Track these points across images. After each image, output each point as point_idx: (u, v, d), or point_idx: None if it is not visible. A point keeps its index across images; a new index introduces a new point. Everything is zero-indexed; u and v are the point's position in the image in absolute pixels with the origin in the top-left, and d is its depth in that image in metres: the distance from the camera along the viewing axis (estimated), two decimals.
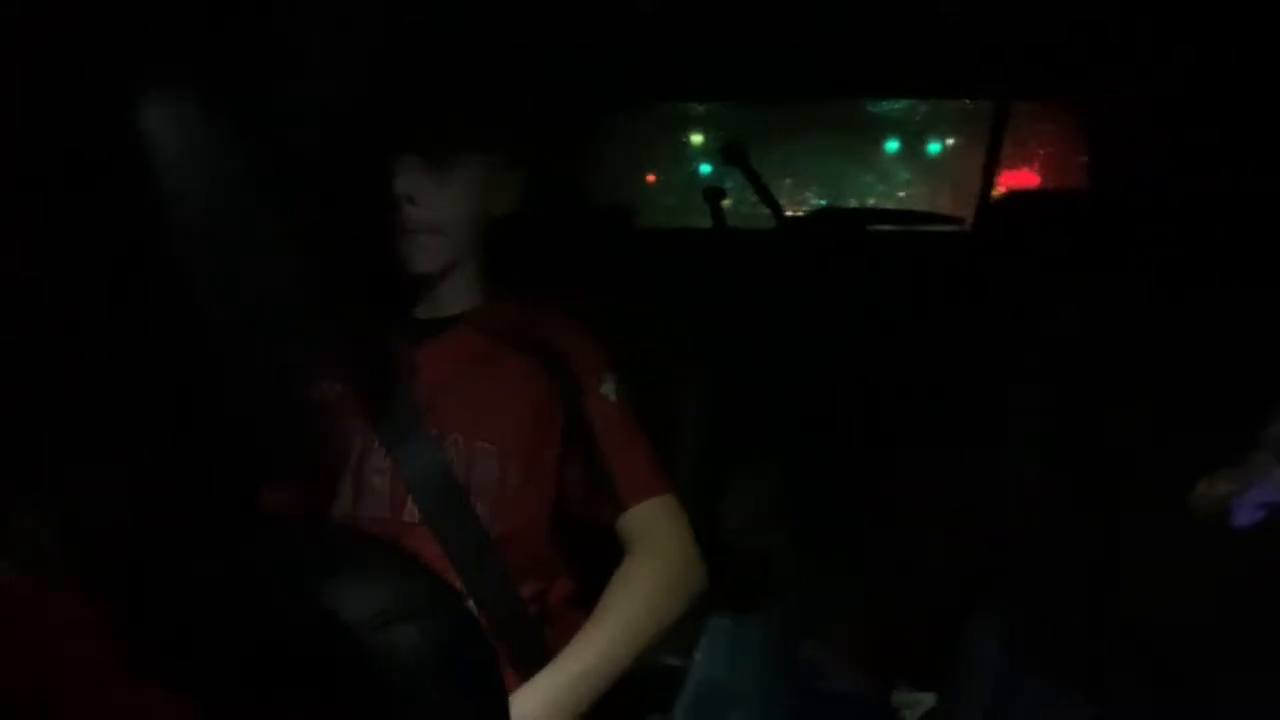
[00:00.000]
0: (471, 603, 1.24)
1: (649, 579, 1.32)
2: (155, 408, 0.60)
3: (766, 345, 2.12)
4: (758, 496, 1.78)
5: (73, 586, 0.52)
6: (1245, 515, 1.11)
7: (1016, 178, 3.10)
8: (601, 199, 2.37)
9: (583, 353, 1.40)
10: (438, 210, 1.31)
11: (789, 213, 2.66)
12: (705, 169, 2.93)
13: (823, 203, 3.29)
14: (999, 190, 2.94)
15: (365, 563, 0.61)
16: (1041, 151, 2.86)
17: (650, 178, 2.84)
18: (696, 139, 2.89)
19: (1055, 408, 1.51)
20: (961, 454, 1.79)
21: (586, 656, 1.24)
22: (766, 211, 2.58)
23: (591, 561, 1.37)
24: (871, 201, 3.39)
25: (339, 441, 1.28)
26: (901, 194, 3.34)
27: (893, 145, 3.24)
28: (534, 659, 1.26)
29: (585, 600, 1.34)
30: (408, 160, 1.28)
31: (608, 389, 1.39)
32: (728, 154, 2.52)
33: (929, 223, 2.94)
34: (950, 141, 3.27)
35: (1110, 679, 1.16)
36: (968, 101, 2.94)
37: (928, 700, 1.44)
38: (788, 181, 2.87)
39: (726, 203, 2.54)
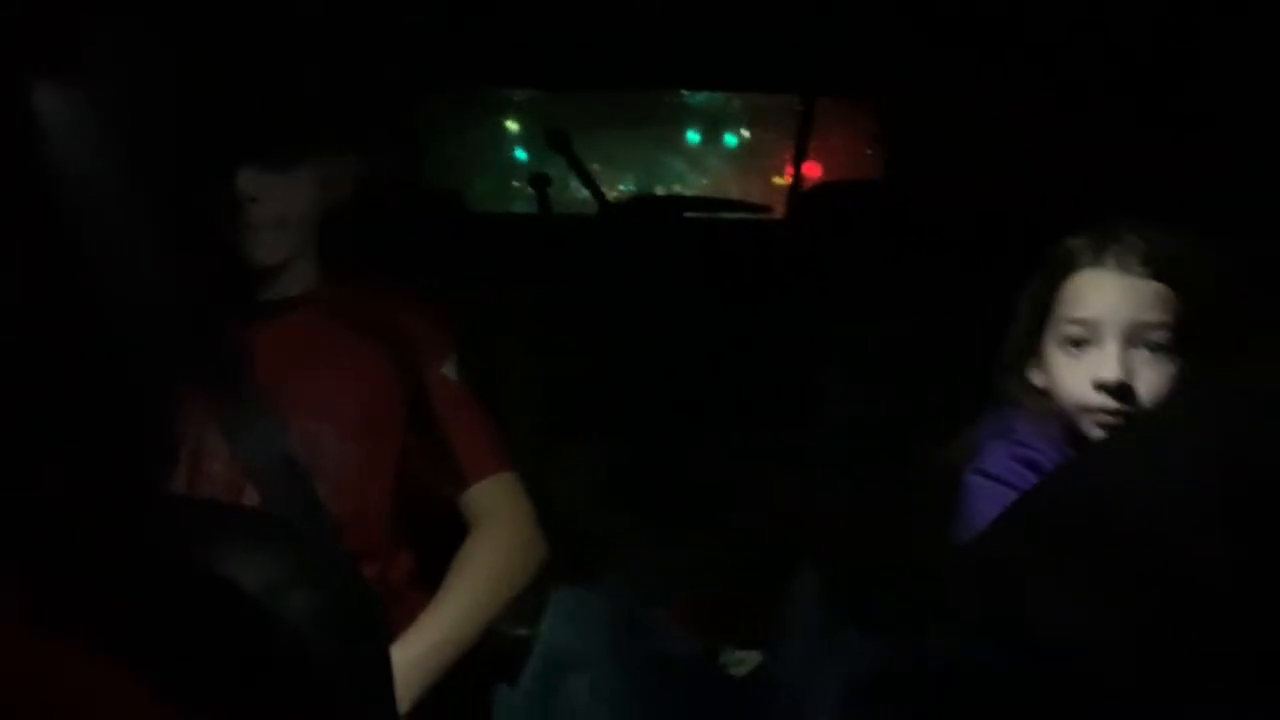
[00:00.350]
0: None
1: (493, 553, 1.36)
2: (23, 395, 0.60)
3: (594, 327, 2.18)
4: (591, 472, 1.84)
5: None
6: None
7: (805, 169, 3.33)
8: (428, 185, 2.37)
9: (423, 334, 1.42)
10: (279, 206, 1.30)
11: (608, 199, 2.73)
12: (522, 155, 2.97)
13: (632, 188, 3.39)
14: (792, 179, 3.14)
15: (255, 531, 0.64)
16: (823, 145, 3.08)
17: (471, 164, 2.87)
18: (513, 126, 2.92)
19: (862, 387, 1.63)
20: (779, 430, 1.91)
21: (435, 630, 1.27)
22: (585, 197, 2.65)
23: (431, 540, 1.40)
24: (677, 189, 3.51)
25: (175, 427, 1.25)
26: (704, 182, 3.49)
27: (694, 136, 3.38)
28: None
29: (426, 578, 1.37)
30: (248, 162, 1.27)
31: (448, 369, 1.42)
32: (551, 140, 2.57)
33: (742, 210, 3.07)
34: (745, 134, 3.44)
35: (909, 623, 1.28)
36: (763, 97, 3.11)
37: (754, 658, 1.55)
38: (596, 167, 2.94)
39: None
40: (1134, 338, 1.13)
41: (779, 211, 3.00)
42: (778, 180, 3.35)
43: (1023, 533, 0.67)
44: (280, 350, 1.33)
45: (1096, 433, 1.14)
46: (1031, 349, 1.22)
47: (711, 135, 3.39)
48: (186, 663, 0.59)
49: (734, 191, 3.40)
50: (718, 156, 3.47)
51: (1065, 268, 1.19)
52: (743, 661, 1.54)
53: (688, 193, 3.47)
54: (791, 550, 1.60)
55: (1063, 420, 1.18)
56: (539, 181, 2.57)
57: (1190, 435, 0.62)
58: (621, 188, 3.39)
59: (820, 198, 2.55)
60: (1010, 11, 1.69)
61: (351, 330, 1.38)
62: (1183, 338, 1.12)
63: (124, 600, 0.59)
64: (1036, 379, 1.23)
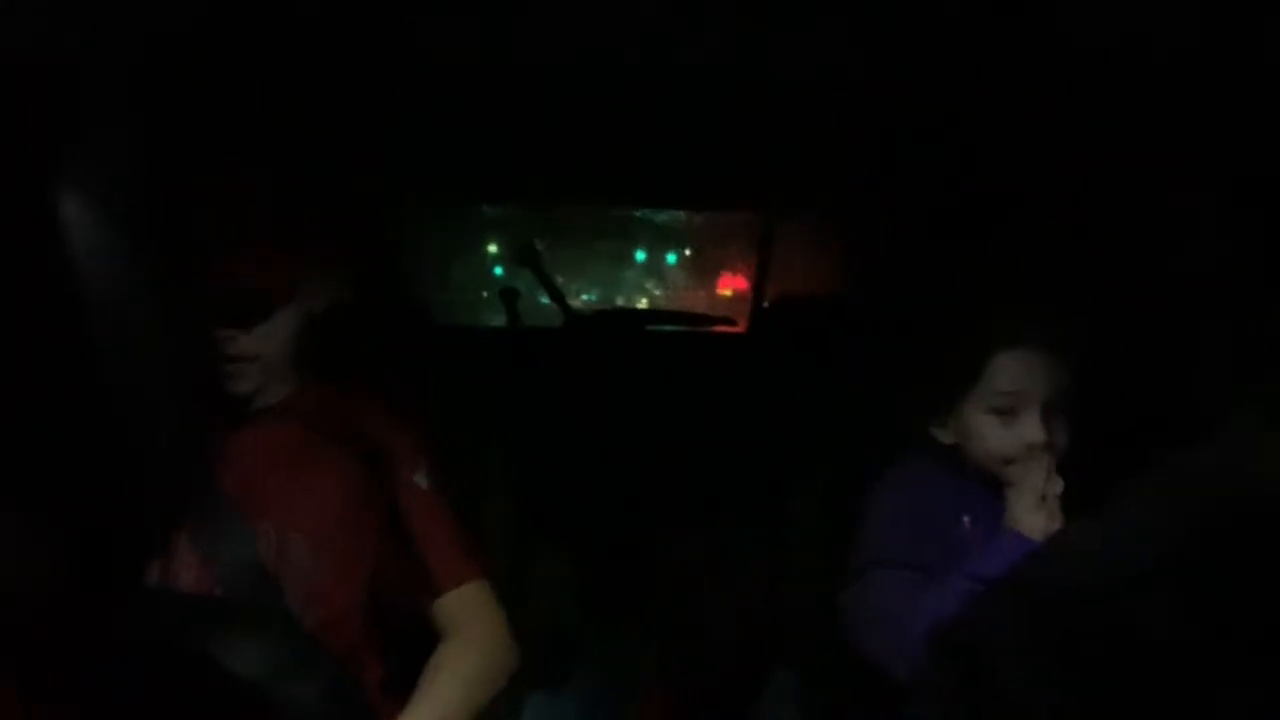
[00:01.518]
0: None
1: (466, 662, 1.35)
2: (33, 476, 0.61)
3: (560, 435, 2.20)
4: (558, 578, 1.84)
5: None
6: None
7: (731, 282, 3.47)
8: (405, 297, 2.41)
9: (396, 441, 1.43)
10: (256, 343, 1.32)
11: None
12: (499, 271, 3.04)
13: (594, 299, 3.46)
14: (727, 293, 3.25)
15: (253, 624, 0.64)
16: (745, 262, 3.26)
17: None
18: (491, 248, 3.01)
19: (828, 491, 1.66)
20: (744, 531, 1.93)
21: None
22: (550, 309, 2.70)
23: (401, 648, 1.39)
24: (638, 301, 3.61)
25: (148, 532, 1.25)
26: (658, 294, 3.60)
27: (640, 254, 3.56)
28: None
29: (397, 687, 1.36)
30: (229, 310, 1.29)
31: (420, 477, 1.43)
32: (520, 255, 2.63)
33: (703, 324, 3.13)
34: (686, 252, 3.61)
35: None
36: (704, 215, 3.25)
37: None
38: (560, 280, 3.01)
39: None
40: (1049, 404, 1.38)
41: (741, 325, 3.06)
42: (725, 293, 3.49)
43: (993, 616, 0.69)
44: (255, 457, 1.33)
45: (1013, 477, 1.37)
46: (946, 412, 1.45)
47: (656, 252, 3.56)
48: None
49: (683, 304, 3.51)
50: (660, 272, 3.63)
51: (989, 344, 1.41)
52: None
53: (643, 305, 3.56)
54: (764, 650, 1.60)
55: (960, 467, 1.43)
56: (508, 295, 2.62)
57: (1143, 518, 0.65)
58: (584, 297, 3.47)
59: (782, 312, 2.62)
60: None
61: (324, 438, 1.39)
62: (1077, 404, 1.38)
63: (120, 690, 0.60)
64: (944, 437, 1.46)
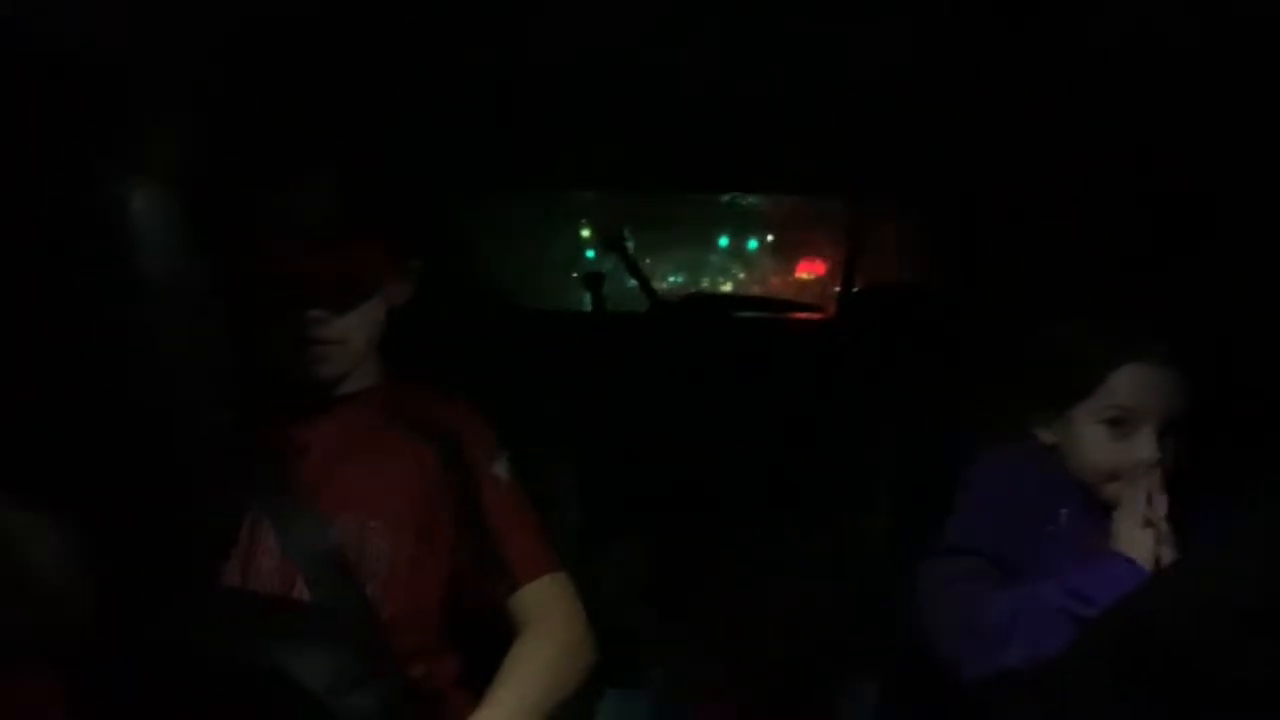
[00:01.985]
0: None
1: (545, 655, 1.34)
2: (99, 477, 0.62)
3: (639, 425, 2.19)
4: (633, 571, 1.83)
5: (36, 660, 0.53)
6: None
7: (810, 267, 3.41)
8: (491, 283, 2.43)
9: (474, 433, 1.43)
10: (346, 328, 1.33)
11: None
12: (590, 254, 3.05)
13: (680, 281, 3.44)
14: (806, 277, 3.20)
15: (318, 630, 0.64)
16: (825, 246, 3.22)
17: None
18: (584, 233, 3.03)
19: (906, 487, 1.62)
20: (824, 531, 1.89)
21: None
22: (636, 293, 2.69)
23: (478, 640, 1.39)
24: (704, 286, 3.59)
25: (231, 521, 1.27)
26: (741, 276, 3.58)
27: (723, 240, 3.54)
28: None
29: (472, 679, 1.36)
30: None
31: (499, 469, 1.43)
32: (607, 241, 2.62)
33: (788, 310, 3.09)
34: (768, 238, 3.58)
35: None
36: (781, 201, 3.21)
37: None
38: (647, 262, 3.00)
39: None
40: (1164, 424, 1.32)
41: (827, 311, 3.01)
42: (804, 276, 3.45)
43: (1084, 659, 0.66)
44: (334, 446, 1.35)
45: (1111, 494, 1.33)
46: (1052, 416, 1.40)
47: (738, 238, 3.54)
48: None
49: (764, 288, 3.47)
50: (743, 257, 3.60)
51: (1113, 356, 1.35)
52: None
53: (726, 289, 3.53)
54: (836, 653, 1.57)
55: (1060, 464, 1.39)
56: (593, 280, 2.61)
57: (1239, 563, 0.62)
58: (671, 280, 3.46)
59: (870, 300, 2.56)
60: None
61: (403, 429, 1.39)
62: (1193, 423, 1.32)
63: (183, 693, 0.60)
64: (1046, 437, 1.41)
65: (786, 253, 3.55)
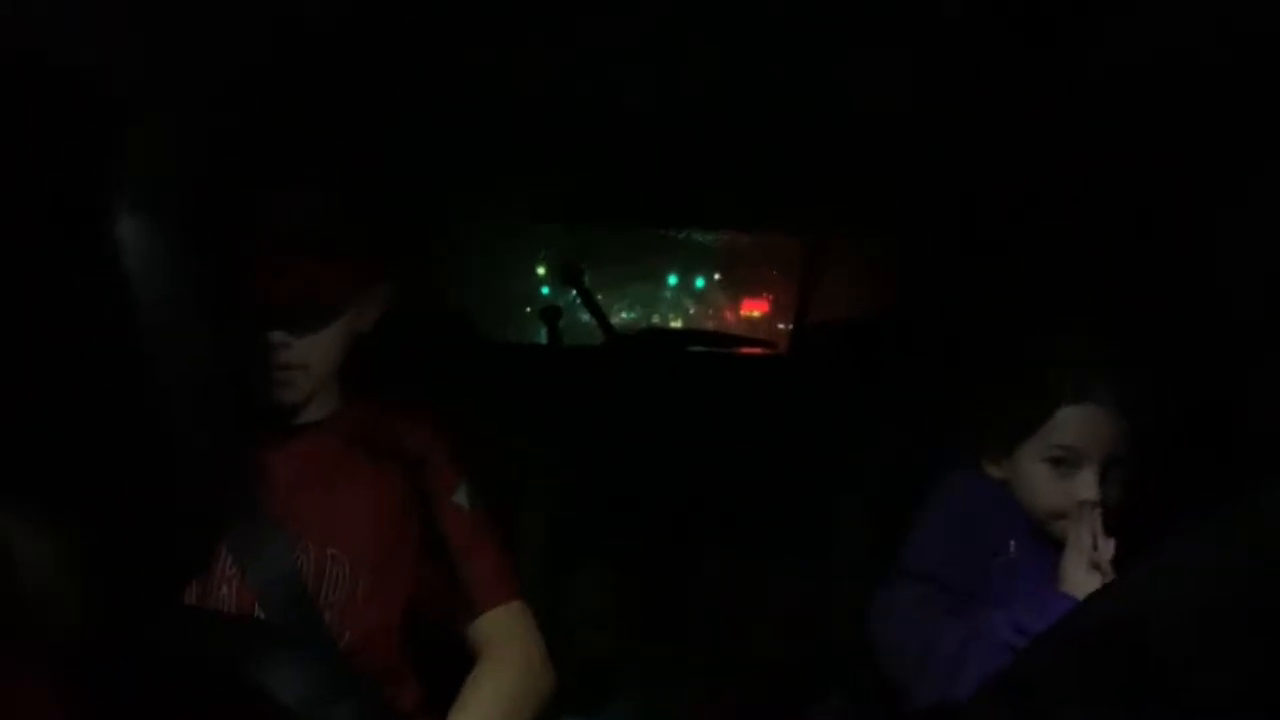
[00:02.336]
0: None
1: (502, 683, 1.34)
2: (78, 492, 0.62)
3: (598, 455, 2.19)
4: (596, 598, 1.83)
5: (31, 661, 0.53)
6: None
7: (753, 305, 3.48)
8: (449, 315, 2.43)
9: (436, 459, 1.43)
10: (308, 353, 1.33)
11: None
12: (545, 290, 3.07)
13: (634, 316, 3.48)
14: (753, 315, 3.25)
15: (287, 646, 0.64)
16: (770, 283, 3.30)
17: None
18: (540, 269, 3.06)
19: (870, 512, 1.64)
20: (786, 556, 1.91)
21: None
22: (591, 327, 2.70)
23: (438, 667, 1.38)
24: (655, 321, 3.64)
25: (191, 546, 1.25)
26: (691, 312, 3.64)
27: (673, 278, 3.62)
28: None
29: (433, 706, 1.35)
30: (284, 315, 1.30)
31: (460, 496, 1.43)
32: (565, 275, 2.64)
33: (743, 345, 3.12)
34: (715, 276, 3.66)
35: None
36: (724, 240, 3.28)
37: None
38: (600, 298, 3.04)
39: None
40: (1107, 464, 1.35)
41: (780, 347, 3.05)
42: (751, 314, 3.52)
43: (1054, 658, 0.68)
44: (295, 474, 1.34)
45: (1058, 532, 1.36)
46: (1001, 452, 1.43)
47: (687, 275, 3.62)
48: None
49: (711, 325, 3.53)
50: (692, 293, 3.68)
51: (1054, 397, 1.38)
52: None
53: (676, 324, 3.58)
54: (806, 673, 1.58)
55: (1004, 500, 1.42)
56: (549, 314, 2.62)
57: (1211, 561, 0.64)
58: (624, 315, 3.50)
59: (824, 335, 2.60)
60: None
61: (365, 455, 1.39)
62: (1138, 462, 1.36)
63: (170, 700, 0.60)
64: (994, 472, 1.44)
65: (732, 290, 3.62)
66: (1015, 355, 1.48)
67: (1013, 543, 1.40)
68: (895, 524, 1.45)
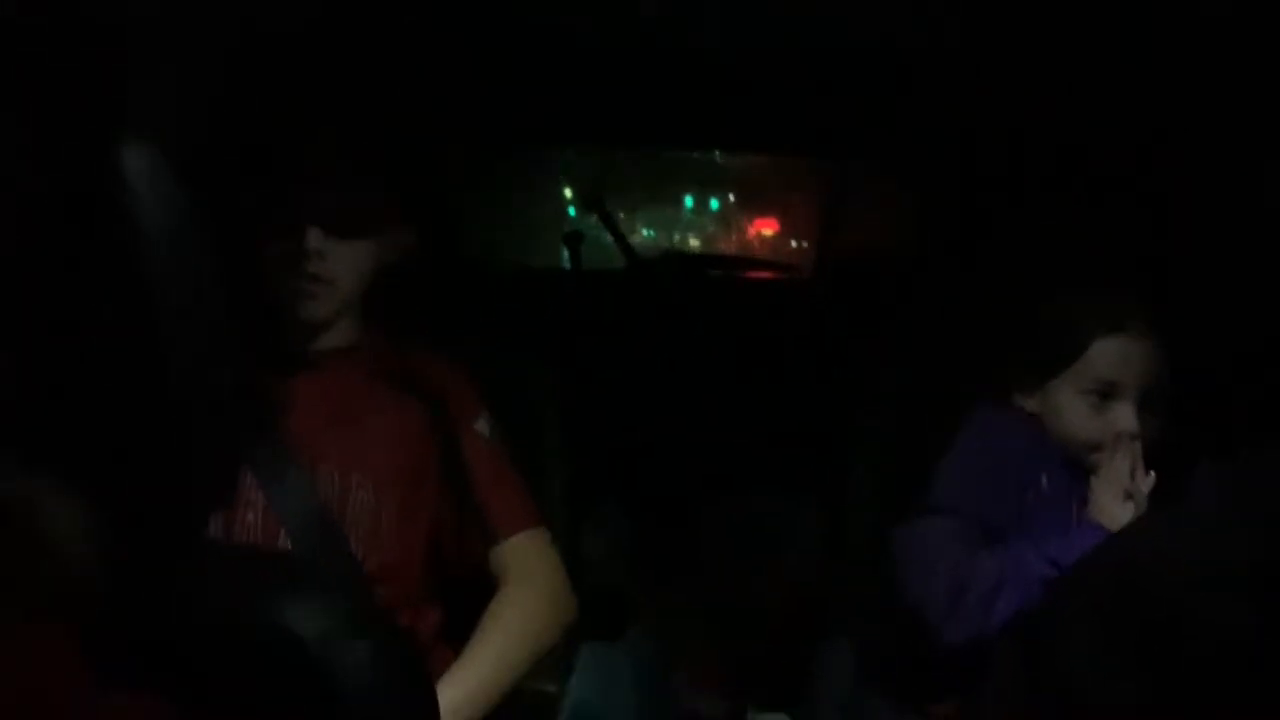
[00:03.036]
0: None
1: (524, 609, 1.36)
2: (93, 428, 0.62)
3: (619, 384, 2.20)
4: (616, 529, 1.85)
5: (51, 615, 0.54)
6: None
7: (764, 224, 3.45)
8: (475, 243, 2.42)
9: (457, 390, 1.44)
10: (341, 265, 1.33)
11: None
12: (572, 213, 3.04)
13: (654, 236, 3.46)
14: (752, 235, 3.22)
15: (309, 579, 0.65)
16: (779, 204, 3.27)
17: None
18: (567, 192, 3.03)
19: (893, 447, 1.64)
20: (807, 492, 1.92)
21: (464, 684, 1.27)
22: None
23: (459, 595, 1.40)
24: (676, 240, 3.61)
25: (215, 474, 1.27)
26: (710, 231, 3.63)
27: (689, 201, 3.60)
28: None
29: (453, 633, 1.38)
30: (321, 220, 1.31)
31: (481, 426, 1.44)
32: (585, 200, 2.61)
33: (764, 269, 3.09)
34: (730, 198, 3.64)
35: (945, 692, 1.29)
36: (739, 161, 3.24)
37: (780, 719, 1.54)
38: (621, 216, 3.03)
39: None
40: (1144, 395, 1.35)
41: (806, 273, 3.02)
42: (762, 232, 3.50)
43: (1066, 602, 0.68)
44: (318, 402, 1.35)
45: (1093, 463, 1.36)
46: (1035, 385, 1.43)
47: (702, 197, 3.60)
48: (241, 707, 0.60)
49: (726, 244, 3.51)
50: (708, 214, 3.66)
51: (1090, 329, 1.37)
52: None
53: (696, 245, 3.55)
54: (818, 613, 1.59)
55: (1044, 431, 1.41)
56: (572, 239, 2.60)
57: (1219, 514, 0.64)
58: (644, 233, 3.48)
59: (849, 267, 2.58)
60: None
61: (387, 385, 1.40)
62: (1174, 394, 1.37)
63: (179, 645, 0.61)
64: (1027, 405, 1.44)
65: (745, 210, 3.58)
66: (1048, 290, 1.47)
67: (1044, 476, 1.39)
68: (911, 463, 1.45)
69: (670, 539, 1.97)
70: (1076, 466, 1.39)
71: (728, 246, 3.48)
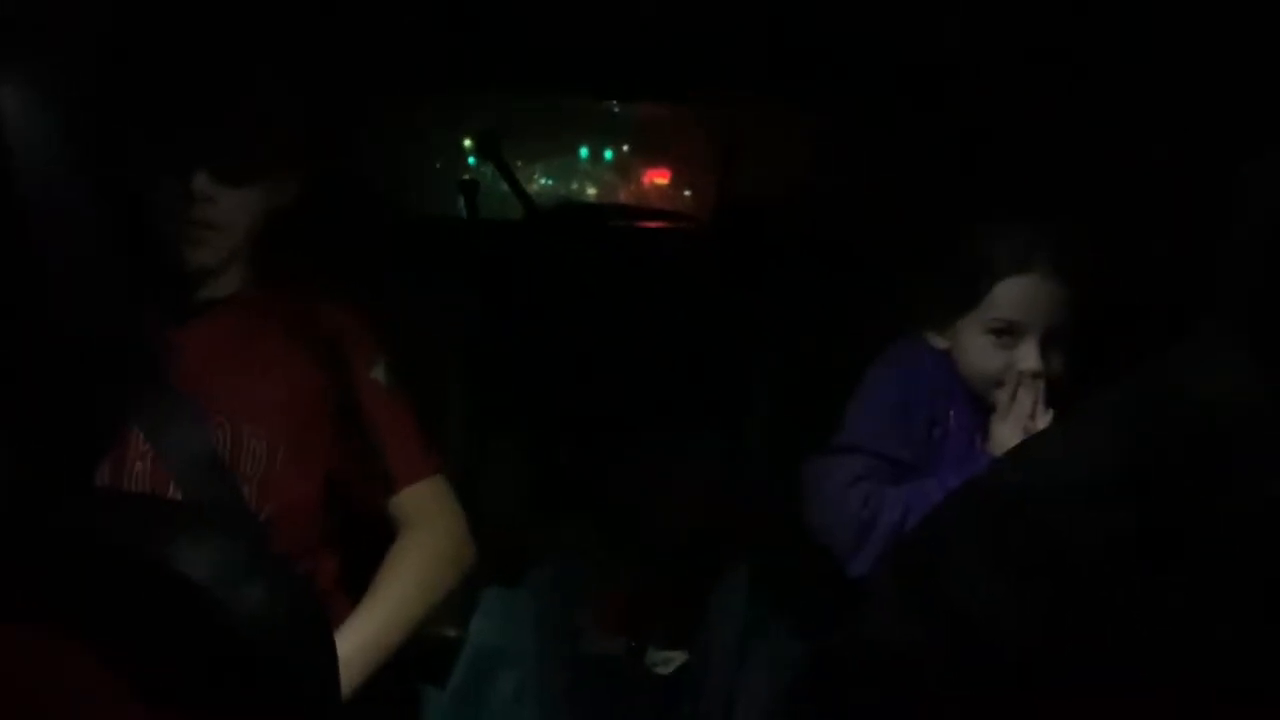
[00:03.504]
0: None
1: (423, 556, 1.36)
2: None
3: (517, 331, 2.19)
4: (517, 473, 1.85)
5: None
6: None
7: (656, 174, 3.48)
8: (370, 190, 2.37)
9: (353, 336, 1.42)
10: (229, 209, 1.30)
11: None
12: (472, 161, 3.00)
13: (551, 184, 3.44)
14: (648, 184, 3.25)
15: (199, 526, 0.64)
16: (675, 153, 3.30)
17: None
18: (466, 142, 2.98)
19: (791, 384, 1.67)
20: (702, 431, 1.95)
21: (364, 631, 1.27)
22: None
23: (357, 543, 1.40)
24: (574, 189, 3.61)
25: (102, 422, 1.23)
26: (591, 191, 3.64)
27: (584, 151, 3.61)
28: None
29: (352, 582, 1.37)
30: (209, 162, 1.28)
31: (379, 373, 1.42)
32: (481, 146, 2.57)
33: (662, 220, 3.10)
34: (624, 149, 3.65)
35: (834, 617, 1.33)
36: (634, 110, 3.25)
37: (679, 657, 1.57)
38: (519, 164, 3.01)
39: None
40: (1048, 334, 1.38)
41: (704, 218, 3.04)
42: (657, 181, 3.53)
43: (951, 524, 0.71)
44: (209, 350, 1.32)
45: (999, 397, 1.39)
46: (944, 323, 1.45)
47: (595, 148, 3.60)
48: (135, 657, 0.59)
49: (621, 194, 3.53)
50: (602, 164, 3.67)
51: (995, 269, 1.39)
52: (669, 660, 1.57)
53: (593, 194, 3.56)
54: (716, 549, 1.63)
55: (944, 372, 1.44)
56: (468, 187, 2.57)
57: (1097, 433, 0.67)
58: (542, 182, 3.46)
59: (746, 212, 2.60)
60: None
61: (280, 332, 1.38)
62: (1079, 330, 1.39)
63: (69, 594, 0.59)
64: (937, 343, 1.46)
65: (639, 160, 3.59)
66: (955, 228, 1.49)
67: (953, 413, 1.43)
68: (808, 399, 1.48)
69: (570, 477, 1.98)
70: (983, 404, 1.43)
71: (625, 196, 3.49)
